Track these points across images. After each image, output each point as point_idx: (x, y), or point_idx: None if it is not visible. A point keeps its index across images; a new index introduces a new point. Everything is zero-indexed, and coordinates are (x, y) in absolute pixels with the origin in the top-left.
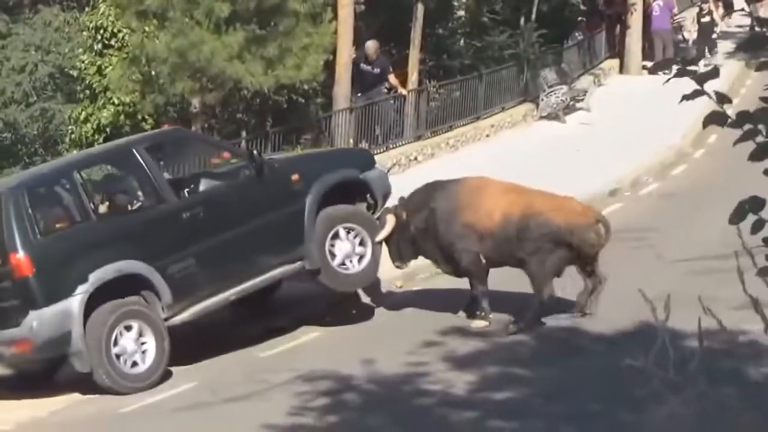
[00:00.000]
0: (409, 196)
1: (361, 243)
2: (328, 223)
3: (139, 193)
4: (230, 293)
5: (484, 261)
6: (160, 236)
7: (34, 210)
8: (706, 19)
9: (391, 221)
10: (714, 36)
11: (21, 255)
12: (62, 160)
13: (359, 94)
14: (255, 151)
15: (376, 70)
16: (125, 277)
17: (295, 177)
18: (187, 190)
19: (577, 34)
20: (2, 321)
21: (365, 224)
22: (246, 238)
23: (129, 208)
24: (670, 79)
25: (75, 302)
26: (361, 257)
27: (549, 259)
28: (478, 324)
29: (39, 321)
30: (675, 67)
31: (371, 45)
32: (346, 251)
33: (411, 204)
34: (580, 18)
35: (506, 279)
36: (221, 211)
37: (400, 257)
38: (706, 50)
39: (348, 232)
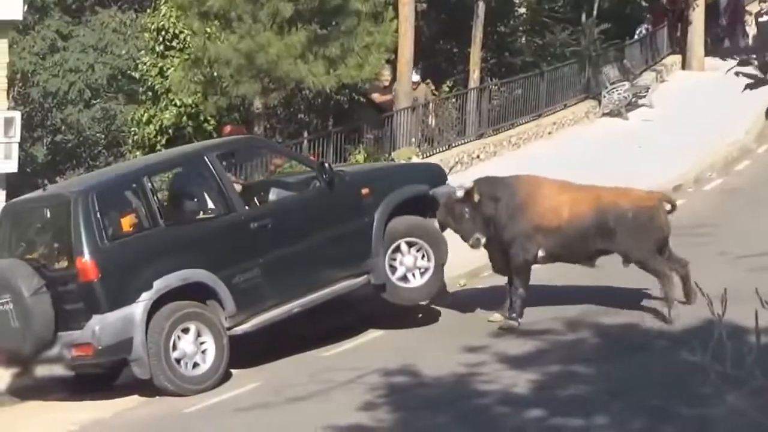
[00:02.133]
0: (476, 183)
1: (424, 257)
2: (389, 237)
3: (209, 201)
4: (294, 305)
5: (543, 255)
6: (227, 246)
7: (102, 214)
8: (765, 18)
9: (468, 187)
10: None
11: (87, 259)
12: (132, 164)
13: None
14: (326, 163)
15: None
16: (189, 285)
17: (365, 191)
18: (256, 199)
19: (644, 27)
20: (66, 323)
21: (429, 238)
22: (313, 250)
23: (198, 216)
24: (731, 69)
25: (138, 309)
26: (424, 271)
27: (646, 243)
28: (509, 324)
29: (101, 326)
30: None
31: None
32: (408, 265)
33: (482, 189)
34: (647, 14)
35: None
36: (290, 222)
37: (480, 231)
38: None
39: (410, 246)
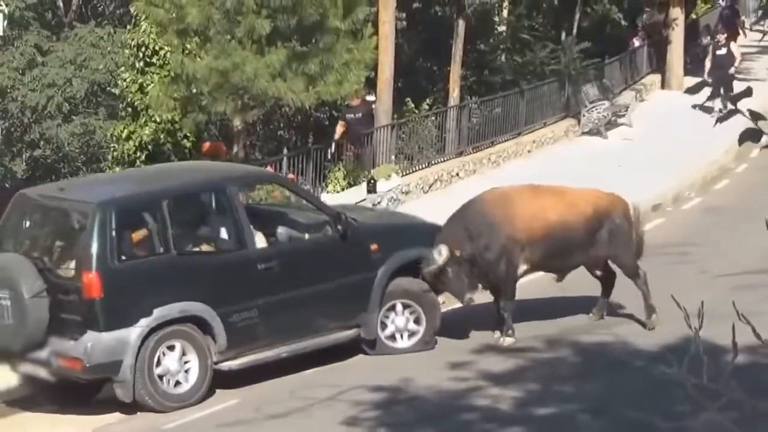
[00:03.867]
0: (444, 232)
1: (416, 321)
2: (387, 295)
3: (223, 233)
4: (283, 350)
5: (527, 267)
6: (232, 283)
7: (118, 233)
8: (722, 51)
9: (445, 252)
10: (732, 71)
11: (94, 275)
12: (150, 179)
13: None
14: (343, 215)
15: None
16: (187, 317)
17: (374, 246)
18: (263, 231)
19: (635, 40)
20: (59, 330)
21: (425, 304)
22: (313, 298)
23: (210, 247)
24: (698, 106)
25: (134, 334)
26: (412, 334)
27: (629, 245)
28: (508, 341)
29: (94, 344)
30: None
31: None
32: (399, 326)
33: (451, 236)
34: (639, 29)
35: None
36: (296, 268)
37: (465, 289)
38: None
39: (405, 308)
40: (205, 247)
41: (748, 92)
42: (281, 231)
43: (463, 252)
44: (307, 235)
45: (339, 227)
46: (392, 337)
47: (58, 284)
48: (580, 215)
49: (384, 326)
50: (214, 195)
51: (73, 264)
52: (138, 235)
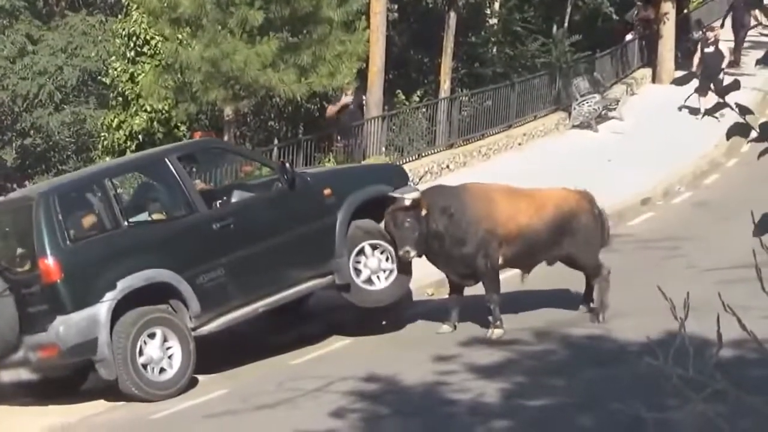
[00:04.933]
0: (424, 195)
1: (389, 259)
2: (353, 239)
3: (171, 202)
4: (259, 305)
5: (501, 262)
6: (190, 246)
7: (64, 216)
8: (711, 49)
9: (417, 197)
10: (722, 69)
11: (50, 260)
12: (94, 167)
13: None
14: (287, 164)
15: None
16: (154, 285)
17: (327, 191)
18: (219, 201)
19: (630, 35)
20: (30, 326)
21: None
22: (276, 250)
23: (160, 217)
24: (683, 106)
25: (102, 309)
26: (389, 273)
27: (593, 243)
28: (497, 332)
29: (66, 327)
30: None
31: None
32: (372, 268)
33: (430, 201)
34: (636, 24)
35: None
36: (252, 222)
37: (412, 245)
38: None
39: (374, 249)
40: (156, 216)
41: (735, 85)
42: (234, 193)
43: (433, 220)
44: (257, 191)
45: (285, 176)
46: (369, 281)
47: (19, 280)
48: (543, 218)
49: (359, 272)
50: (154, 167)
51: (28, 257)
52: (87, 215)
